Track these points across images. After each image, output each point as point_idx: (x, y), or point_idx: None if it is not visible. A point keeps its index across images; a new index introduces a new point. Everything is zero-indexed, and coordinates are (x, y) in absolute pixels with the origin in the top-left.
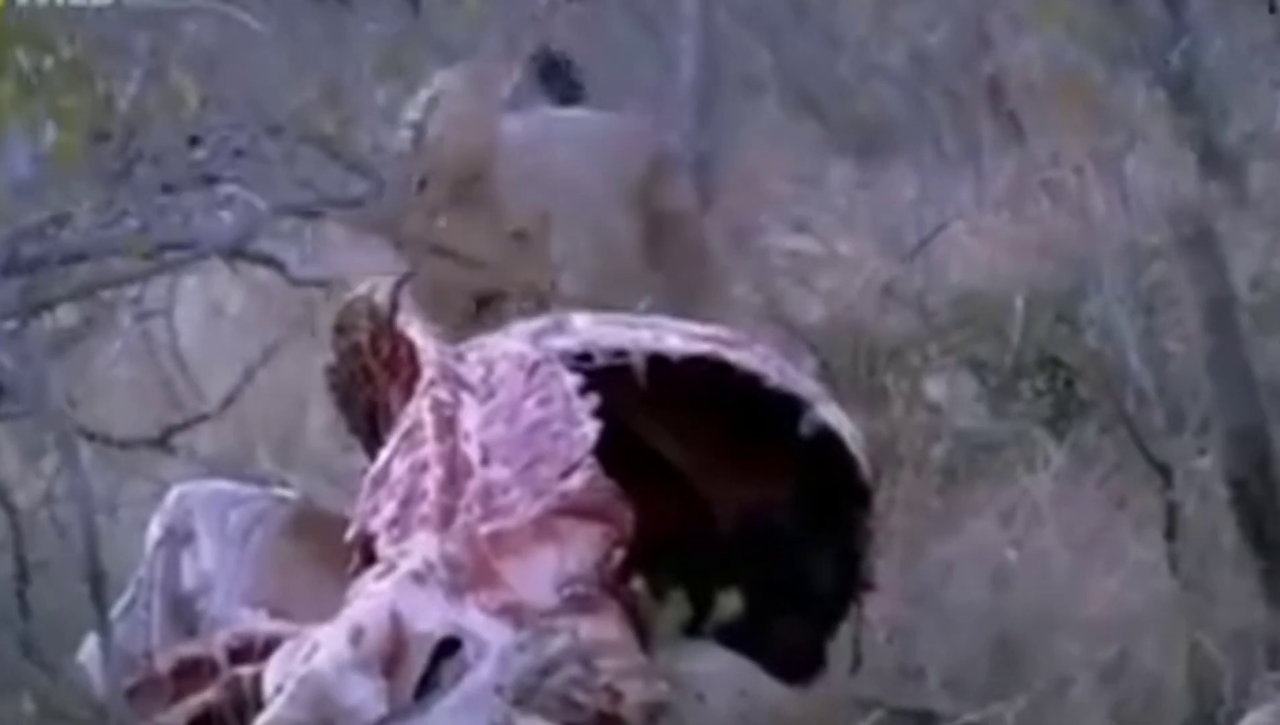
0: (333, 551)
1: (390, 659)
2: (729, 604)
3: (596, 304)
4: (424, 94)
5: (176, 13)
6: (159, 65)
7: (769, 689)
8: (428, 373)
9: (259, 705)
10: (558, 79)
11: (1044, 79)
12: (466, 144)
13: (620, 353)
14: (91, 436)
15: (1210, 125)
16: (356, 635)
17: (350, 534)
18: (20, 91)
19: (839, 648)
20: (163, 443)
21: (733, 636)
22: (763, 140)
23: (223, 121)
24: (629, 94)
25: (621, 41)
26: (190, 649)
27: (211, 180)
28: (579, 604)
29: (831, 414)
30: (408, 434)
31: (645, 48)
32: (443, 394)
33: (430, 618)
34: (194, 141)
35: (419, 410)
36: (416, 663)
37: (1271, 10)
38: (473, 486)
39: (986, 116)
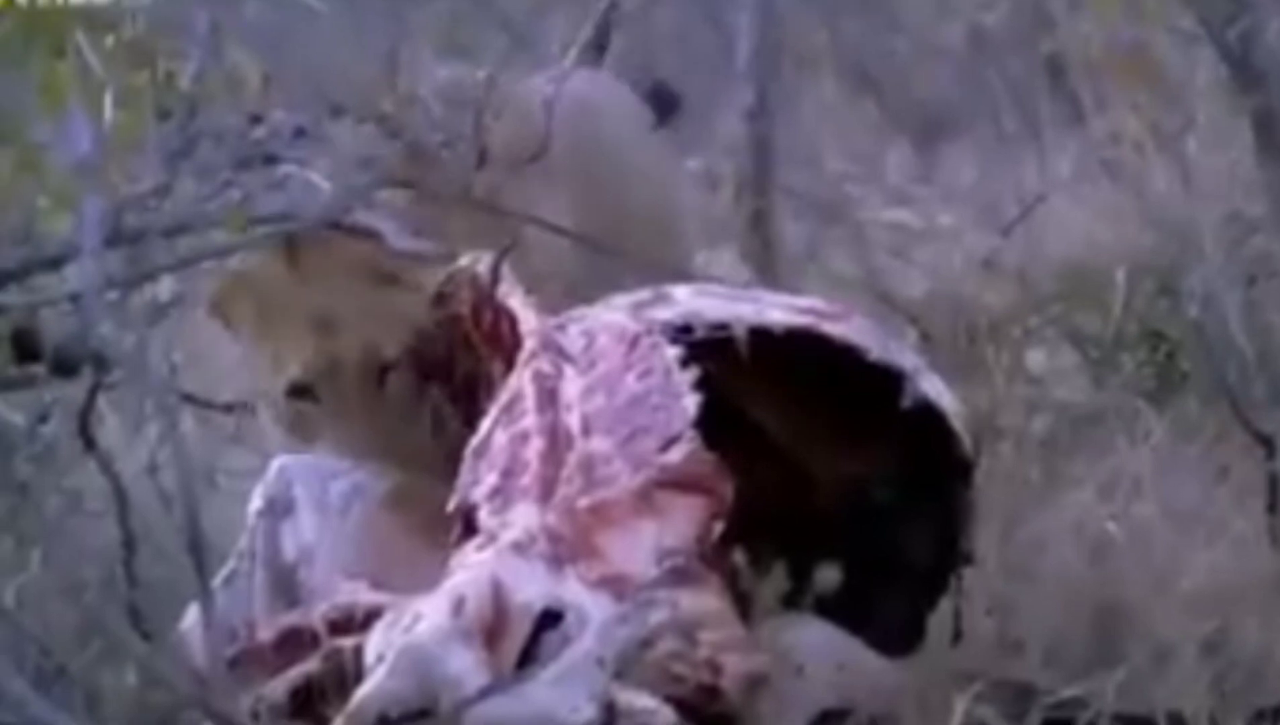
0: (433, 523)
1: (491, 630)
2: (829, 576)
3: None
4: (483, 72)
5: None
6: (219, 44)
7: (868, 661)
8: (529, 344)
9: (359, 676)
10: (667, 112)
11: (1104, 57)
12: (525, 122)
13: (721, 325)
14: (192, 399)
15: (1271, 102)
16: (458, 606)
17: (451, 505)
18: (81, 71)
19: (939, 620)
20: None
21: (832, 609)
22: (821, 120)
23: (283, 100)
24: (687, 73)
25: (680, 20)
26: (291, 620)
27: (272, 159)
28: (679, 576)
29: (932, 386)
30: (509, 405)
31: (704, 27)
32: (544, 365)
33: (531, 589)
34: (255, 121)
35: (520, 381)
36: (518, 634)
37: None
38: (574, 458)
39: (1046, 96)
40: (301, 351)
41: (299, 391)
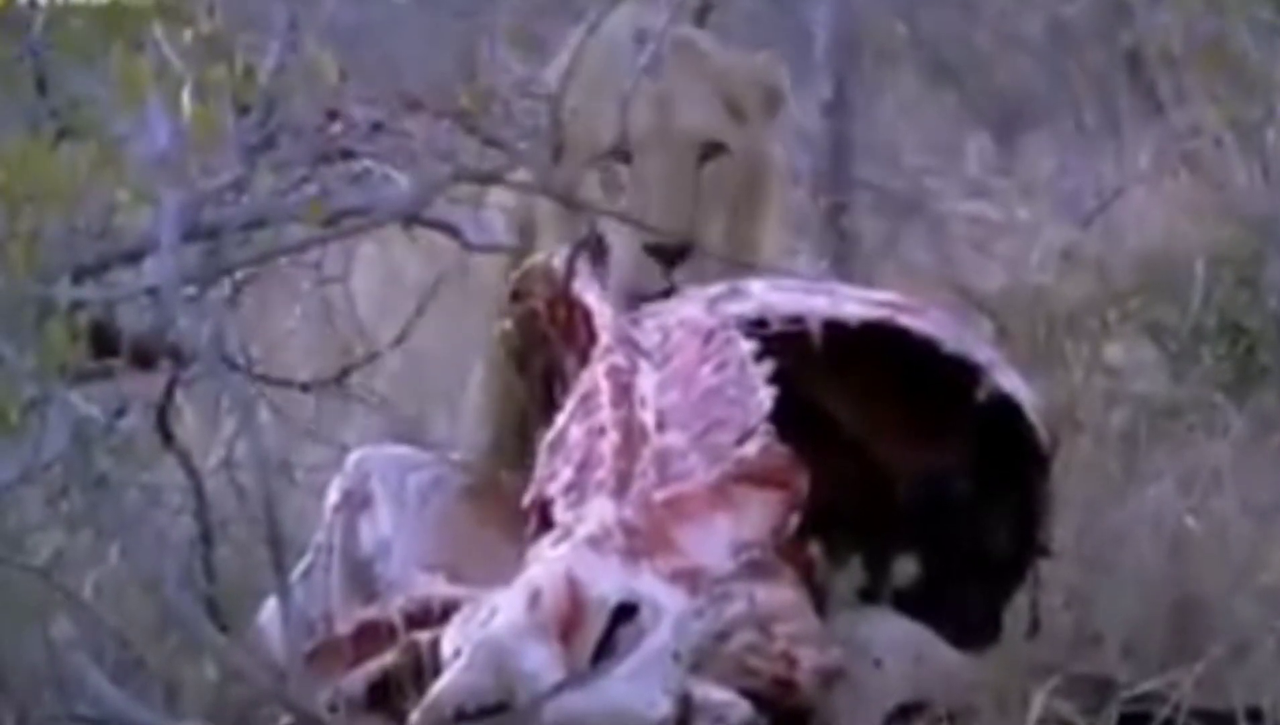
0: (509, 516)
1: (567, 624)
2: (905, 570)
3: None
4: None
5: None
6: (297, 39)
7: (945, 655)
8: (604, 338)
9: (437, 669)
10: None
11: (1183, 50)
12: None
13: (796, 318)
14: (268, 379)
15: None
16: (534, 600)
17: (527, 499)
18: (160, 66)
19: (1016, 613)
20: (339, 382)
21: (909, 602)
22: (900, 113)
23: (361, 95)
24: None
25: (757, 12)
26: (368, 613)
27: (349, 154)
28: (755, 570)
29: (1009, 380)
30: (584, 400)
31: (781, 21)
32: (619, 360)
33: (607, 583)
34: (332, 116)
35: (595, 376)
36: (593, 628)
37: None
38: (649, 452)
39: (1126, 88)
40: None
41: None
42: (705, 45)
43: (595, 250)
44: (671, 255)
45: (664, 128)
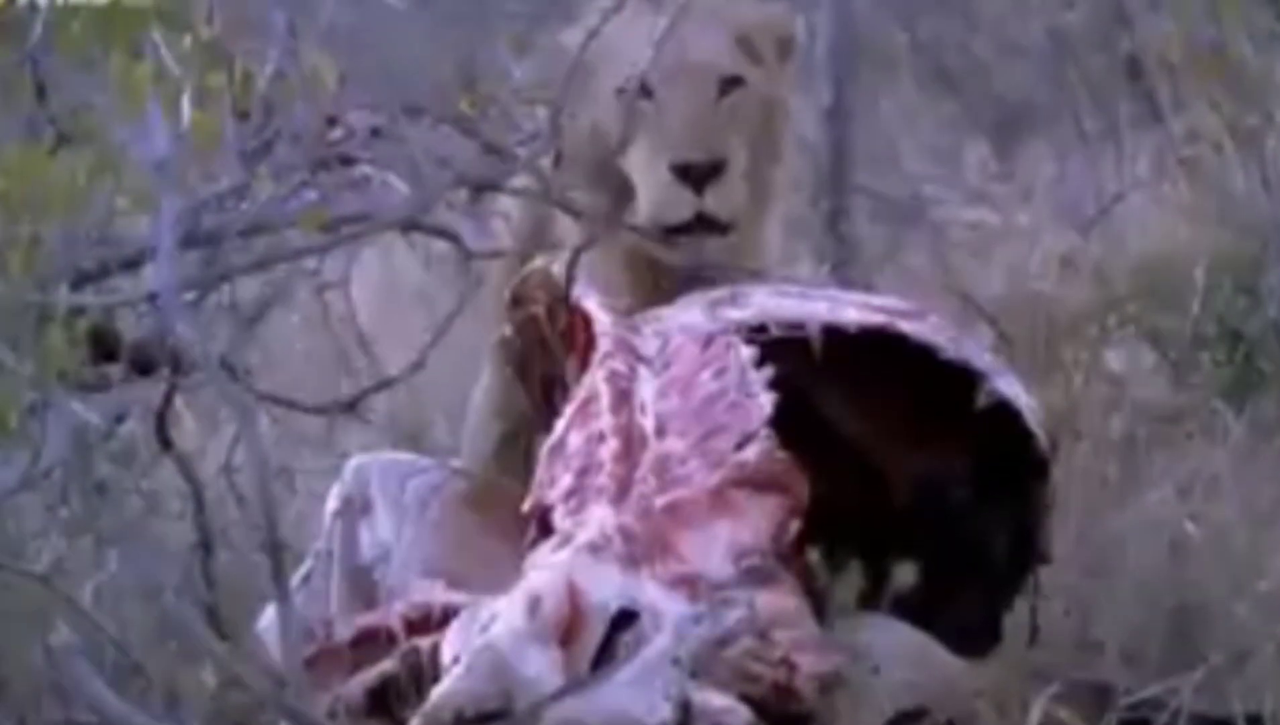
0: (509, 523)
1: (567, 630)
2: (905, 576)
3: None
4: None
5: None
6: (296, 45)
7: (945, 661)
8: (603, 345)
9: (436, 676)
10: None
11: (1183, 57)
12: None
13: (796, 324)
14: (276, 400)
15: None
16: (534, 606)
17: (526, 505)
18: (159, 72)
19: (1016, 620)
20: (352, 408)
21: (909, 608)
22: (899, 120)
23: (360, 100)
24: None
25: None
26: (368, 619)
27: (349, 160)
28: (755, 576)
29: (1009, 385)
30: (584, 406)
31: None
32: (618, 366)
33: (607, 589)
34: (332, 121)
35: (595, 382)
36: (593, 634)
37: None
38: (648, 458)
39: (1125, 94)
40: None
41: None
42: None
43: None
44: (701, 174)
45: (682, 62)
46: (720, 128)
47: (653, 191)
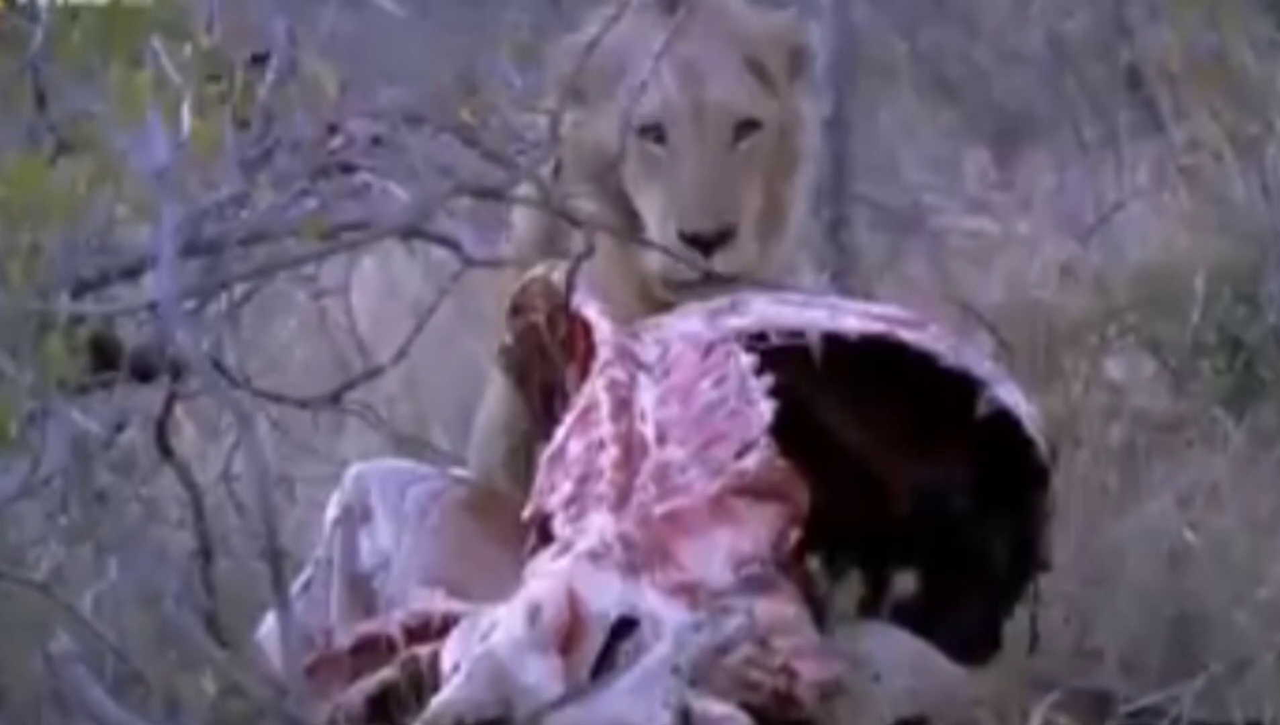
0: (509, 530)
1: (567, 638)
2: (905, 584)
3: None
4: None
5: None
6: (296, 53)
7: (945, 669)
8: (603, 353)
9: (436, 684)
10: None
11: (1183, 66)
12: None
13: (796, 332)
14: (267, 396)
15: None
16: (533, 614)
17: (526, 513)
18: (159, 81)
19: (1015, 628)
20: (336, 400)
21: (909, 616)
22: (899, 129)
23: (360, 109)
24: None
25: None
26: (368, 627)
27: (349, 168)
28: (755, 583)
29: (1009, 394)
30: (583, 414)
31: None
32: (618, 374)
33: (606, 597)
34: (332, 130)
35: (595, 390)
36: (593, 642)
37: None
38: (648, 466)
39: (1125, 103)
40: None
41: None
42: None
43: None
44: (710, 241)
45: (697, 104)
46: (733, 182)
47: (661, 248)
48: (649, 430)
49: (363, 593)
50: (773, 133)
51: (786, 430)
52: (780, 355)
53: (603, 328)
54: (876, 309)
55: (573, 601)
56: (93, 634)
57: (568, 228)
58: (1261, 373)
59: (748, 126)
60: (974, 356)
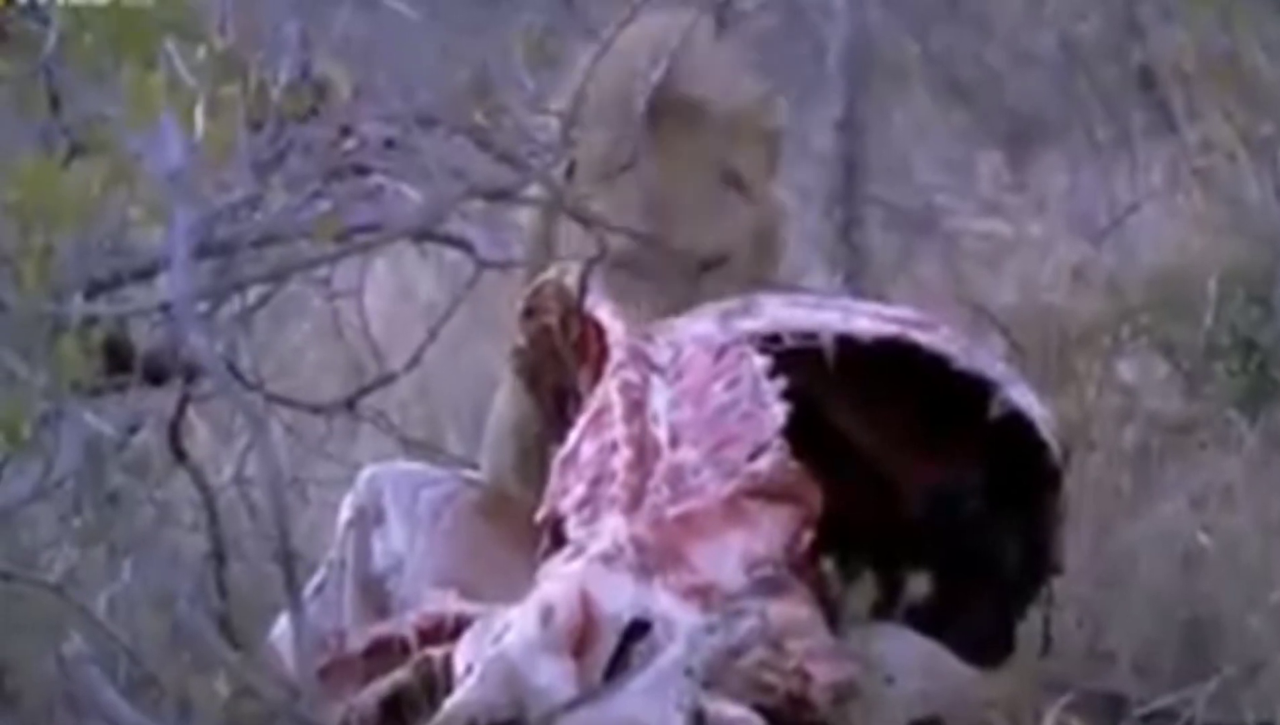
0: (522, 533)
1: (580, 640)
2: (918, 586)
3: None
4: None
5: (328, 1)
6: (310, 55)
7: (957, 671)
8: (616, 355)
9: (449, 686)
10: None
11: (1196, 67)
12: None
13: (809, 334)
14: (281, 400)
15: None
16: (546, 616)
17: (539, 515)
18: (172, 83)
19: (1028, 630)
20: (350, 406)
21: (922, 618)
22: (912, 130)
23: (374, 111)
24: (777, 83)
25: (770, 30)
26: (381, 629)
27: (362, 170)
28: (768, 586)
29: (1021, 396)
30: (596, 416)
31: (793, 38)
32: (631, 376)
33: (619, 599)
34: (345, 132)
35: (607, 392)
36: (606, 644)
37: None
38: (661, 468)
39: (1138, 105)
40: None
41: None
42: (707, 83)
43: None
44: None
45: (664, 245)
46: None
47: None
48: (662, 432)
49: (376, 595)
50: (747, 243)
51: (799, 432)
52: (793, 357)
53: (615, 330)
54: (889, 311)
55: (586, 603)
56: (106, 636)
57: (565, 230)
58: (1275, 375)
59: (716, 261)
60: (987, 358)
